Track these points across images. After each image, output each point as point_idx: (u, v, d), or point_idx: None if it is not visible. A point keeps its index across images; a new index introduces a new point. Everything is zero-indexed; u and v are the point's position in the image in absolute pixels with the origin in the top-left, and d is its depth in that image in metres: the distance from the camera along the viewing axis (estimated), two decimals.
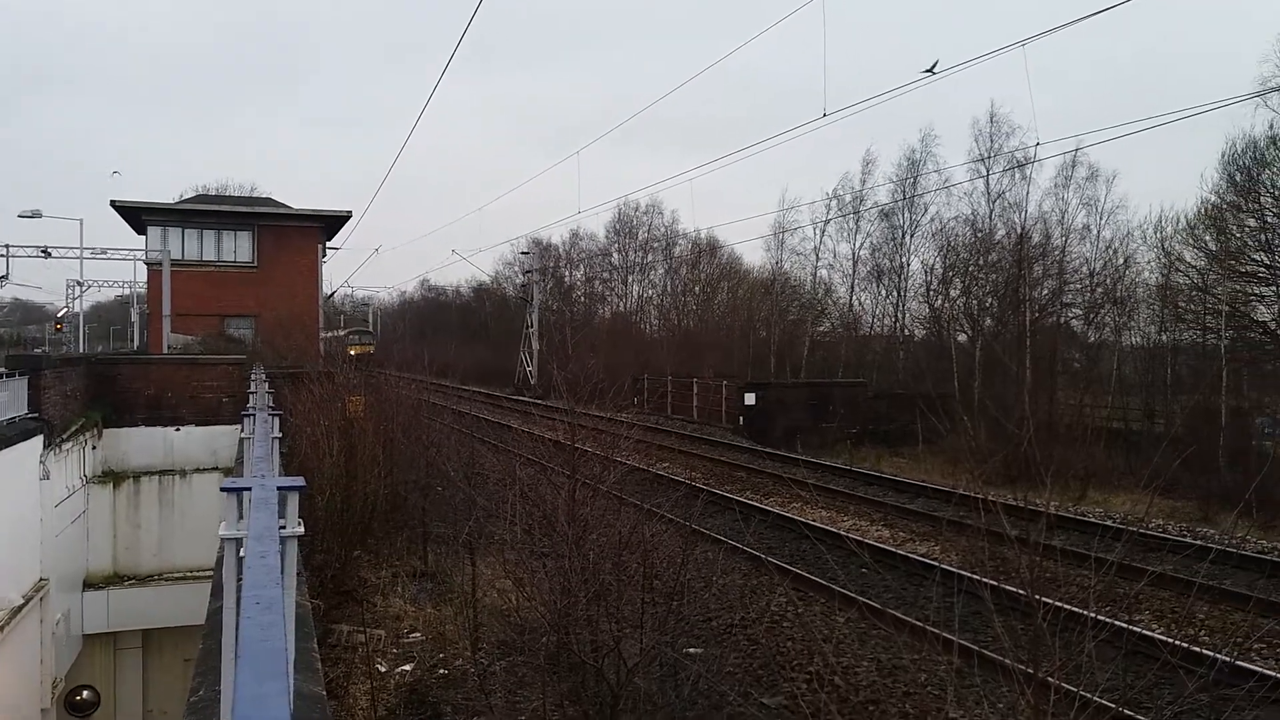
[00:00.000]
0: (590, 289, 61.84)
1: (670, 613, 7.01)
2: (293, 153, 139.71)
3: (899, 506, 16.84)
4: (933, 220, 40.61)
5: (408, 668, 9.49)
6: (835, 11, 65.74)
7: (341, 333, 52.63)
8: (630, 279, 58.39)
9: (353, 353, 41.24)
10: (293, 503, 5.05)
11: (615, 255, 59.58)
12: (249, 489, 4.79)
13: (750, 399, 30.36)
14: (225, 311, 33.03)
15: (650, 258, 57.44)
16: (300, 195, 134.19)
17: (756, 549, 13.54)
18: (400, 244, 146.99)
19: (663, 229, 56.80)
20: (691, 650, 8.90)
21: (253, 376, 17.23)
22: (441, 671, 9.29)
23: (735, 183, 77.71)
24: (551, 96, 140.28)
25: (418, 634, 10.41)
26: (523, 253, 59.79)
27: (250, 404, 11.92)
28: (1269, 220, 27.78)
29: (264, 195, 50.59)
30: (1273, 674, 7.46)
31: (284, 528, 5.14)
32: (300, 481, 4.70)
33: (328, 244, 38.65)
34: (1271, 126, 29.33)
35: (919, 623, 6.18)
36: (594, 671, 6.90)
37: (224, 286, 33.46)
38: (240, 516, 4.32)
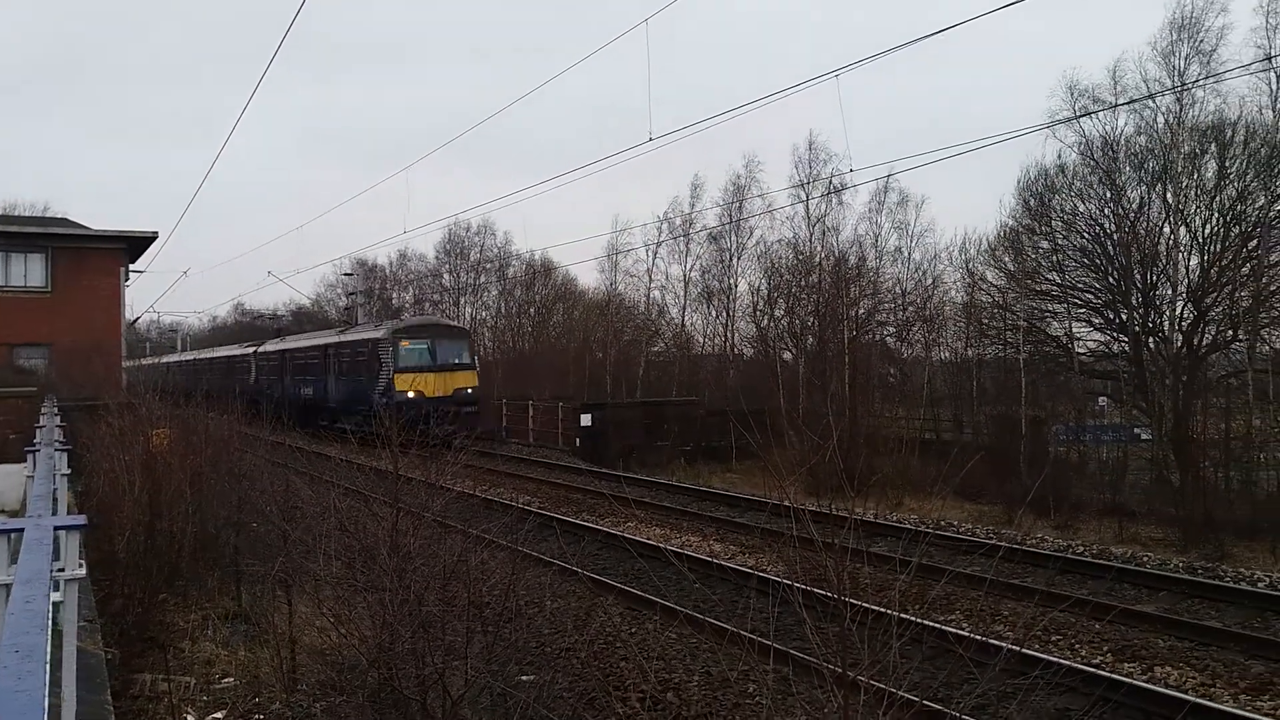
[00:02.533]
0: (420, 311, 60.67)
1: (498, 640, 6.86)
2: (95, 170, 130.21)
3: (729, 520, 17.23)
4: (758, 243, 42.17)
5: (219, 715, 8.90)
6: (660, 38, 67.74)
7: (385, 334, 32.17)
8: (463, 300, 57.58)
9: (425, 391, 27.82)
10: (72, 543, 4.63)
11: (446, 276, 58.71)
12: (22, 530, 4.39)
13: (586, 420, 30.37)
14: (14, 340, 30.26)
15: (483, 279, 56.88)
16: (103, 215, 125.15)
17: (590, 570, 13.54)
18: (212, 266, 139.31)
19: (495, 250, 56.44)
20: (524, 678, 8.76)
21: (44, 410, 15.86)
22: (257, 717, 8.77)
23: (568, 205, 78.20)
24: (375, 111, 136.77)
25: (230, 679, 9.78)
26: (345, 274, 58.07)
27: (36, 439, 10.94)
28: (1059, 242, 30.40)
29: (59, 215, 46.95)
30: (1059, 660, 8.07)
31: (63, 570, 4.70)
32: (80, 520, 4.35)
33: (131, 267, 36.15)
34: (1060, 156, 32.12)
35: (741, 632, 6.30)
36: (419, 706, 6.66)
37: (13, 313, 30.65)
38: (13, 561, 3.96)
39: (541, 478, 23.93)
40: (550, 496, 20.73)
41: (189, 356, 59.70)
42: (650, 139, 18.47)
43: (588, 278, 49.62)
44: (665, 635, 10.13)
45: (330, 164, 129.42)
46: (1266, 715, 7.69)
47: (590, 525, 16.86)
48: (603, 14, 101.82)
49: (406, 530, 7.27)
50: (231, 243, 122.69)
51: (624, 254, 46.26)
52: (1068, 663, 8.60)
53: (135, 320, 45.63)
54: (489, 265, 56.12)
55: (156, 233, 34.17)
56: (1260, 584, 12.69)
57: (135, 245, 34.38)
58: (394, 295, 61.91)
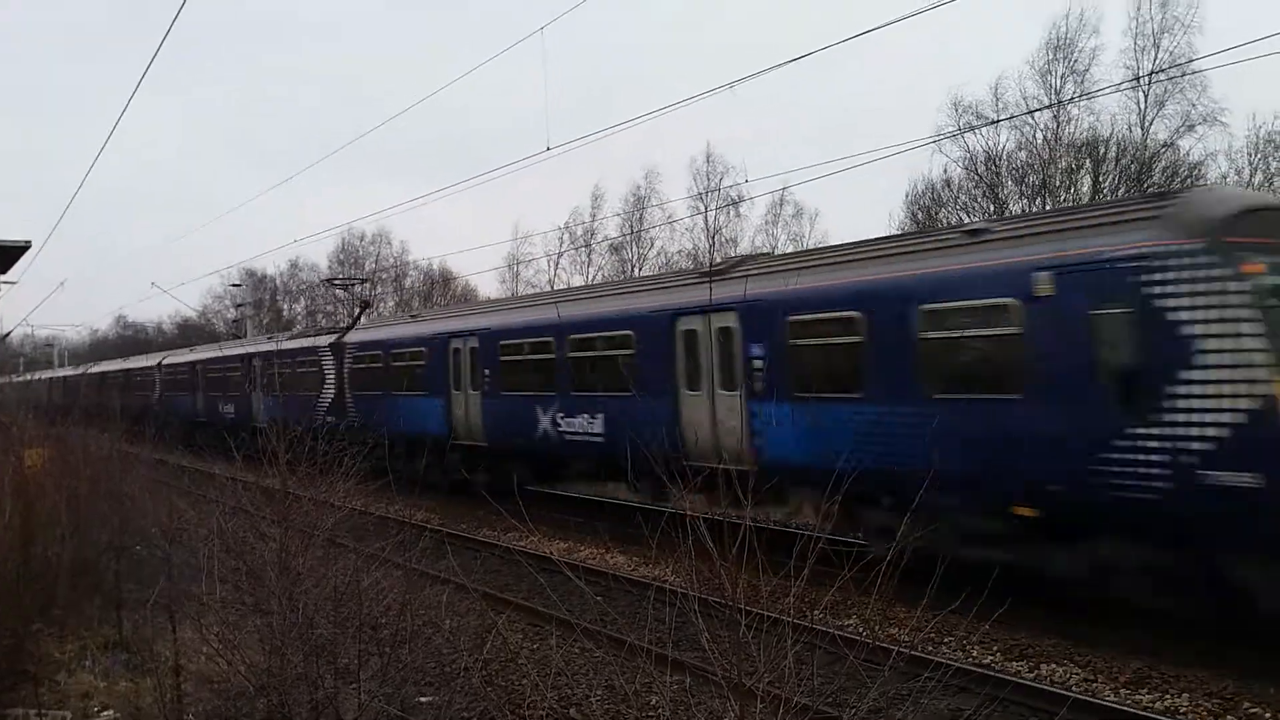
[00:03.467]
0: (313, 322, 59.07)
1: (393, 661, 6.71)
2: None
3: (637, 532, 17.19)
4: (659, 254, 42.57)
5: None
6: (556, 47, 67.93)
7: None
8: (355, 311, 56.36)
9: None
10: None
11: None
12: None
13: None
14: None
15: (379, 289, 55.82)
16: None
17: (492, 586, 13.35)
18: (92, 276, 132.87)
19: (392, 259, 55.46)
20: (421, 699, 8.59)
21: None
22: None
23: (468, 214, 77.27)
24: (263, 115, 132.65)
25: (110, 711, 9.30)
26: (234, 284, 56.20)
27: None
28: None
29: None
30: (949, 662, 8.32)
31: None
32: None
33: (1, 278, 34.16)
34: (945, 170, 33.32)
35: (638, 643, 6.31)
36: None
37: None
38: None
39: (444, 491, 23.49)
40: (451, 512, 20.37)
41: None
42: (548, 149, 18.37)
43: (489, 288, 49.28)
44: (568, 650, 10.05)
45: (217, 169, 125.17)
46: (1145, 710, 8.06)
47: (492, 541, 16.65)
48: (500, 22, 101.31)
49: (296, 550, 7.05)
50: (114, 252, 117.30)
51: (525, 264, 46.09)
52: (957, 664, 8.89)
53: (7, 335, 42.84)
54: (385, 275, 55.12)
55: (29, 242, 32.39)
56: None
57: (6, 255, 32.49)
58: (285, 306, 60.16)
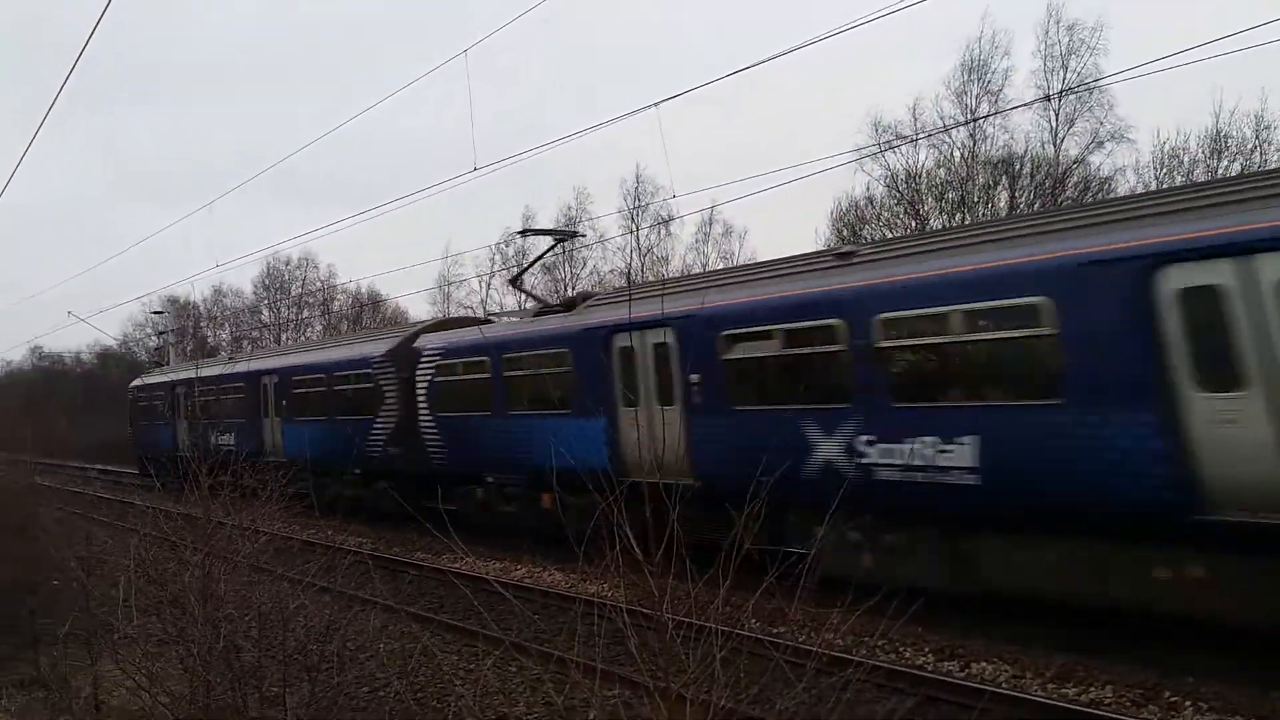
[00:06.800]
0: (238, 349, 57.83)
1: (321, 687, 6.58)
2: None
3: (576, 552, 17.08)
4: (591, 273, 42.59)
5: None
6: (480, 67, 67.59)
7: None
8: (285, 337, 55.26)
9: None
10: None
11: (266, 312, 56.24)
12: None
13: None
14: None
15: (306, 313, 54.86)
16: None
17: (424, 608, 13.18)
18: (4, 306, 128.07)
19: (319, 283, 54.57)
20: None
21: None
22: None
23: (397, 237, 76.18)
24: (181, 142, 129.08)
25: None
26: (155, 312, 54.64)
27: None
28: None
29: None
30: (863, 660, 8.45)
31: None
32: None
33: None
34: (868, 188, 34.10)
35: (568, 656, 6.31)
36: None
37: None
38: None
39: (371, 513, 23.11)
40: (383, 536, 20.04)
41: None
42: (475, 169, 18.35)
43: (418, 309, 48.73)
44: (505, 670, 9.97)
45: (135, 197, 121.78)
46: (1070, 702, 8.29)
47: (426, 565, 16.41)
48: (422, 46, 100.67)
49: (218, 577, 6.89)
50: (28, 282, 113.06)
51: (456, 284, 45.73)
52: (889, 665, 9.06)
53: None
54: (311, 299, 54.18)
55: None
56: None
57: None
58: (209, 334, 58.72)
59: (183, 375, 31.36)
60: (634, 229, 40.12)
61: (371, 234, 74.30)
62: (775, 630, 10.08)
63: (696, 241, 40.19)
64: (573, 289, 43.23)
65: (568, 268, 43.67)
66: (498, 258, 45.01)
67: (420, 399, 19.45)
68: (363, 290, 51.81)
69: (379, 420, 20.89)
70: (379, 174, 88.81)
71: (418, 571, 15.89)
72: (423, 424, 19.42)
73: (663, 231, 40.22)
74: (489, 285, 45.30)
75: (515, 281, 22.05)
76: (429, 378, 19.26)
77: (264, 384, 25.94)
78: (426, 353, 19.46)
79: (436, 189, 39.53)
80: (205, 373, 28.54)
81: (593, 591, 12.80)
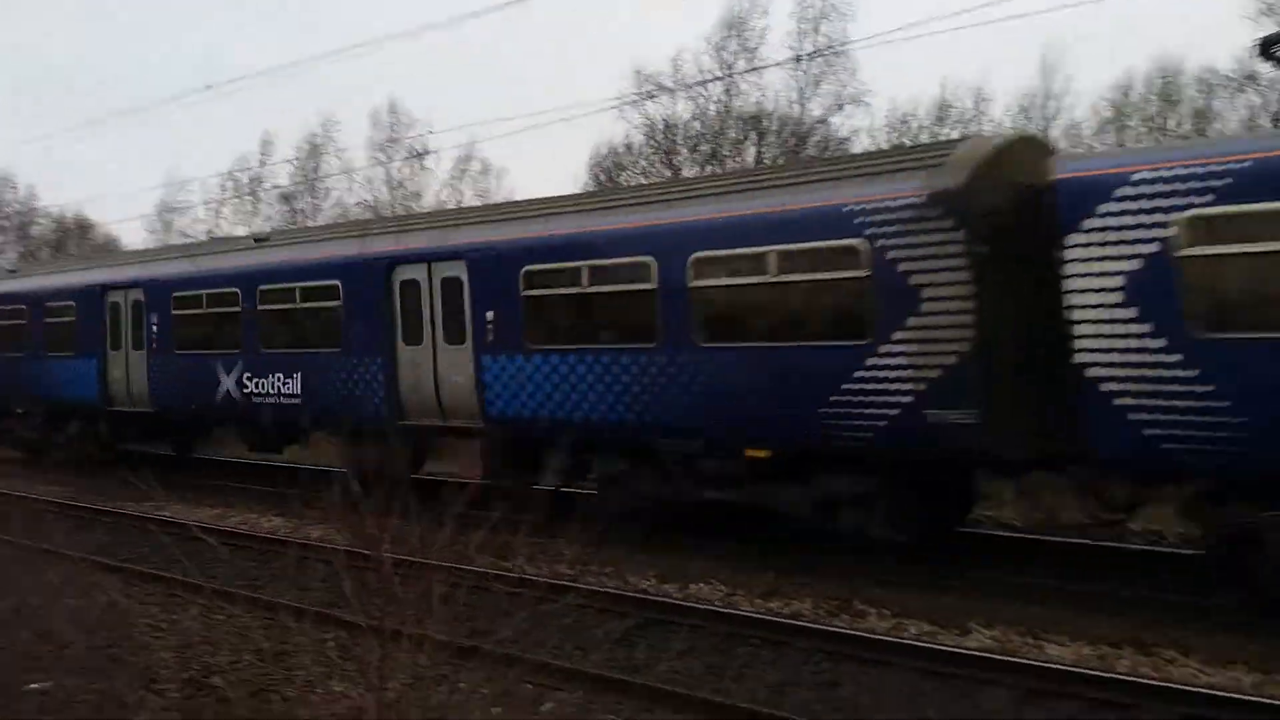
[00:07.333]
0: None
1: None
2: None
3: (298, 494, 16.27)
4: (335, 205, 40.42)
5: None
6: None
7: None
8: None
9: None
10: None
11: None
12: None
13: None
14: None
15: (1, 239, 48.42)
16: None
17: (127, 559, 12.21)
18: None
19: (16, 205, 48.15)
20: (32, 686, 7.63)
21: None
22: None
23: (121, 158, 67.75)
24: None
25: None
26: None
27: None
28: None
29: None
30: (582, 586, 8.70)
31: None
32: None
33: None
34: (626, 136, 34.56)
35: (278, 600, 6.02)
36: None
37: None
38: None
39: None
40: (92, 486, 18.17)
41: None
42: (208, 87, 16.69)
43: (134, 237, 43.85)
44: (212, 619, 9.37)
45: None
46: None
47: (131, 513, 15.02)
48: None
49: None
50: None
51: (180, 212, 41.93)
52: (613, 590, 9.40)
53: None
54: (6, 224, 47.83)
55: None
56: None
57: None
58: None
59: None
60: (385, 160, 38.34)
61: (84, 155, 65.65)
62: (506, 565, 10.13)
63: (452, 178, 39.04)
64: (314, 220, 40.93)
65: (310, 197, 41.16)
66: (230, 185, 41.63)
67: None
68: (68, 215, 46.31)
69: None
70: (110, 80, 78.55)
71: (114, 520, 14.58)
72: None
73: (417, 165, 38.73)
74: (218, 213, 41.81)
75: None
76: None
77: None
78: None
79: (169, 105, 35.58)
80: None
81: (316, 536, 12.33)
